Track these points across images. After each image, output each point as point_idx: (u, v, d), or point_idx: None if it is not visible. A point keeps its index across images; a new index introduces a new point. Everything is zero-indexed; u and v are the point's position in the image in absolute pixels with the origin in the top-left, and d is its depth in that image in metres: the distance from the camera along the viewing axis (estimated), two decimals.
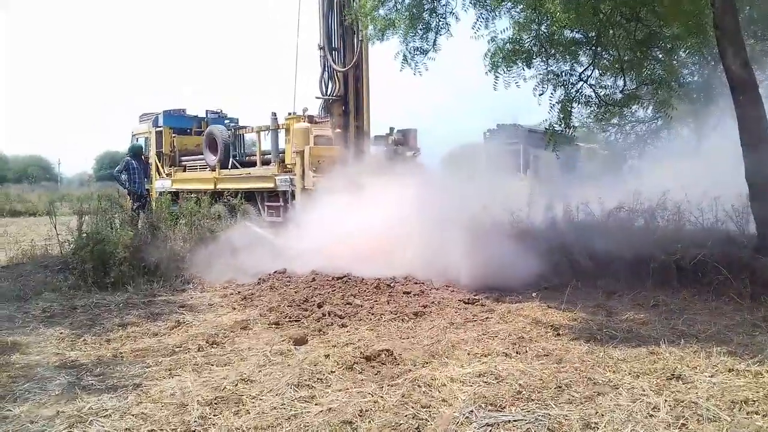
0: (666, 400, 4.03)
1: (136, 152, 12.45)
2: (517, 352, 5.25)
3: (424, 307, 6.89)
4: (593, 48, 7.42)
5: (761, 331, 5.76)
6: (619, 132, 18.65)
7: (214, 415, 4.02)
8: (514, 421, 3.78)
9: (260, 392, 4.44)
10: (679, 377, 4.49)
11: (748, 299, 6.86)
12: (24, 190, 42.58)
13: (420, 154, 12.41)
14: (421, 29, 8.15)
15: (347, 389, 4.46)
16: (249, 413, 4.05)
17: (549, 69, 7.50)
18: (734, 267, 7.22)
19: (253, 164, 13.27)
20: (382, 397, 4.29)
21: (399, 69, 8.52)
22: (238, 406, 4.18)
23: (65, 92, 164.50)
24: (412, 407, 4.07)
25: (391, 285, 7.81)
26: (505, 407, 4.01)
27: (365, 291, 7.58)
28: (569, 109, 7.97)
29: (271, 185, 12.14)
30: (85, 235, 8.41)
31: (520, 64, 7.36)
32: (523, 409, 3.97)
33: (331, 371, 4.84)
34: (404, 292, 7.51)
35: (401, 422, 3.82)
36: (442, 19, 8.11)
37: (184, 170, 15.36)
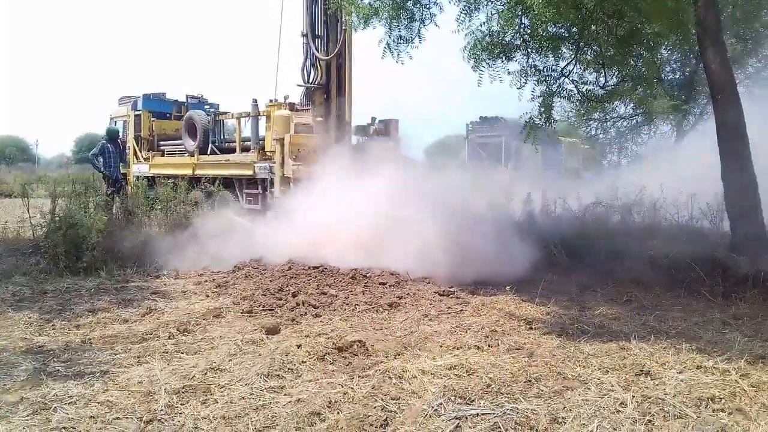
0: (633, 396, 4.05)
1: (112, 136, 12.27)
2: (489, 345, 5.25)
3: (399, 299, 6.88)
4: (575, 43, 7.41)
5: (731, 329, 5.84)
6: (600, 127, 18.71)
7: (181, 404, 3.98)
8: (483, 414, 3.78)
9: (229, 381, 4.40)
10: (647, 373, 4.53)
11: (719, 297, 6.95)
12: (0, 171, 41.97)
13: (400, 144, 12.34)
14: (405, 18, 8.08)
15: (317, 380, 4.44)
16: (217, 402, 4.01)
17: (530, 63, 7.48)
18: (707, 264, 7.30)
19: (232, 150, 13.14)
20: (352, 388, 4.27)
21: (381, 57, 8.46)
22: (206, 395, 4.14)
23: (44, 72, 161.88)
24: (382, 399, 4.06)
25: (367, 275, 7.77)
26: (474, 400, 4.01)
27: (341, 281, 7.55)
28: (550, 103, 7.97)
29: (250, 172, 12.04)
30: (57, 218, 8.26)
31: (501, 58, 7.33)
32: (492, 403, 3.97)
33: (302, 361, 4.82)
34: (380, 283, 7.49)
35: (369, 414, 3.80)
36: (426, 9, 8.05)
37: (163, 155, 15.19)
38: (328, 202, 9.63)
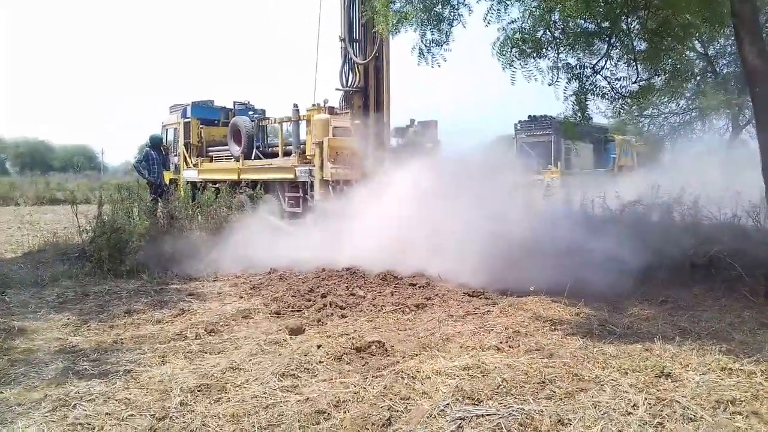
0: (647, 398, 3.96)
1: (155, 143, 12.65)
2: (509, 346, 5.20)
3: (427, 299, 6.88)
4: (607, 38, 7.26)
5: (766, 330, 5.61)
6: (652, 123, 18.24)
7: (194, 402, 4.09)
8: (487, 415, 3.76)
9: (245, 381, 4.50)
10: (668, 375, 4.40)
11: (761, 297, 6.68)
12: (68, 179, 43.78)
13: (440, 146, 12.32)
14: (434, 21, 8.07)
15: (331, 379, 4.49)
16: (229, 401, 4.11)
17: (561, 60, 7.37)
18: (748, 263, 7.04)
19: (276, 155, 13.36)
20: (364, 388, 4.31)
21: (416, 63, 8.48)
22: (220, 394, 4.24)
23: (111, 83, 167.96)
24: (391, 399, 4.08)
25: (398, 276, 7.80)
26: (482, 401, 3.99)
27: (371, 282, 7.60)
28: (584, 100, 7.83)
29: (291, 176, 12.21)
30: (102, 223, 8.58)
31: (532, 56, 7.24)
32: (500, 404, 3.94)
33: (320, 361, 4.88)
34: (410, 284, 7.50)
35: (374, 413, 3.83)
36: (455, 10, 8.02)
37: (211, 161, 15.57)
38: (369, 205, 9.71)
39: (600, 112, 10.83)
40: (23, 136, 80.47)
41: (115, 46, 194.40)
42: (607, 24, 7.12)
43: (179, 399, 4.11)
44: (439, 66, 8.35)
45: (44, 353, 5.22)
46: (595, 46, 7.38)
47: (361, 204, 10.68)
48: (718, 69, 16.23)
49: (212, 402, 4.09)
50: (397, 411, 3.89)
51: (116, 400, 4.14)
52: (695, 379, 4.32)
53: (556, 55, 7.35)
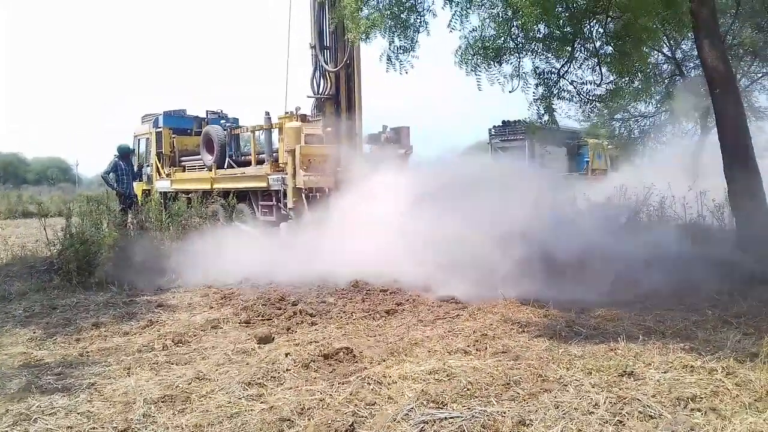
0: (608, 397, 4.00)
1: (123, 153, 12.53)
2: (477, 349, 5.23)
3: (398, 305, 6.90)
4: (569, 43, 7.35)
5: (729, 327, 5.70)
6: (623, 126, 18.41)
7: (157, 413, 4.06)
8: (450, 418, 3.77)
9: (211, 390, 4.47)
10: (630, 374, 4.45)
11: (725, 295, 6.79)
12: (42, 192, 43.16)
13: (412, 152, 12.38)
14: (401, 28, 8.12)
15: (297, 387, 4.48)
16: (193, 411, 4.08)
17: (523, 66, 7.46)
18: (713, 263, 7.15)
19: (249, 164, 13.32)
20: (330, 395, 4.30)
21: (385, 70, 8.53)
22: (184, 405, 4.21)
23: (85, 95, 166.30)
24: (356, 405, 4.08)
25: (369, 284, 7.81)
26: (446, 404, 4.00)
27: (342, 289, 7.59)
28: (550, 105, 7.92)
29: (264, 184, 12.18)
30: (69, 236, 8.48)
31: (495, 62, 7.32)
32: (464, 407, 3.96)
33: (287, 369, 4.86)
34: (381, 290, 7.52)
35: (338, 419, 3.83)
36: (420, 17, 8.08)
37: (184, 170, 15.47)
38: (342, 214, 9.73)
39: (568, 116, 10.92)
40: None
41: (86, 58, 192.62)
42: (568, 29, 7.21)
43: (142, 411, 4.08)
44: (406, 72, 8.41)
45: (8, 368, 5.14)
46: (559, 51, 7.45)
47: (337, 213, 10.73)
48: (686, 72, 16.45)
49: (176, 413, 4.06)
50: (362, 417, 3.89)
51: (78, 414, 4.10)
52: (657, 377, 4.38)
53: (518, 61, 7.42)
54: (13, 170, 79.02)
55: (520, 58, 7.39)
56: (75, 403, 4.28)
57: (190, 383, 4.64)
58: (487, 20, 7.24)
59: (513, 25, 7.02)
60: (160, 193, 15.56)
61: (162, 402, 4.24)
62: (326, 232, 10.48)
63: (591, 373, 4.54)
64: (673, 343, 5.12)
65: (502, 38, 7.13)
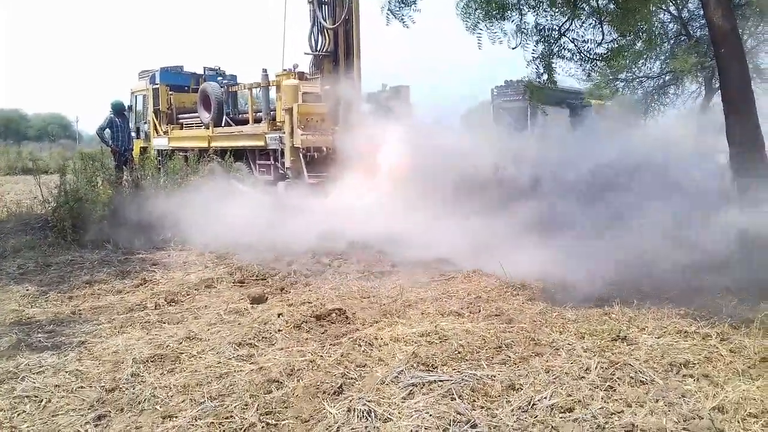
0: (600, 362, 3.96)
1: (118, 110, 12.35)
2: (470, 312, 5.20)
3: (393, 266, 6.86)
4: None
5: (727, 293, 5.62)
6: (626, 87, 18.18)
7: (146, 373, 4.04)
8: (440, 381, 3.74)
9: (201, 351, 4.45)
10: (624, 338, 4.41)
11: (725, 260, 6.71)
12: (42, 148, 42.94)
13: (411, 111, 12.18)
14: None
15: (288, 348, 4.46)
16: (182, 371, 4.06)
17: (524, 22, 7.27)
18: (715, 227, 7.06)
19: (247, 122, 13.15)
20: (321, 356, 4.28)
21: (386, 23, 8.35)
22: (174, 364, 4.19)
23: (85, 51, 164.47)
24: (346, 367, 4.05)
25: (367, 244, 7.74)
26: (437, 367, 3.97)
27: (338, 251, 7.53)
28: (550, 63, 7.76)
29: (262, 143, 12.04)
30: (64, 193, 8.40)
31: (496, 18, 7.13)
32: (454, 369, 3.93)
33: (278, 330, 4.84)
34: (378, 251, 7.46)
35: (327, 381, 3.80)
36: None
37: (181, 128, 15.29)
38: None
39: (569, 75, 10.69)
40: None
41: (87, 12, 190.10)
42: None
43: (131, 370, 4.06)
44: (407, 27, 8.23)
45: None
46: (561, 8, 7.26)
47: (335, 172, 10.66)
48: (691, 32, 16.18)
49: (165, 373, 4.04)
50: (351, 378, 3.87)
51: (66, 372, 4.08)
52: (650, 342, 4.34)
53: (520, 17, 7.24)
54: (14, 126, 78.64)
55: (522, 14, 7.20)
56: (64, 362, 4.27)
57: (180, 343, 4.62)
58: None
59: None
60: (157, 150, 15.45)
61: (151, 362, 4.22)
62: (325, 191, 10.44)
63: (584, 337, 4.50)
64: (669, 308, 5.07)
65: None
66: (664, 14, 16.26)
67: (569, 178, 9.13)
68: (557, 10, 7.52)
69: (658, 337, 4.46)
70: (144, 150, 16.12)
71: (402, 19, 8.18)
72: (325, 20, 11.58)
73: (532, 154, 10.85)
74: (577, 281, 5.93)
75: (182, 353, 4.39)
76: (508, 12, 7.16)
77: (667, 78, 17.47)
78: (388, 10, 8.20)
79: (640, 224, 7.21)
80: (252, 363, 4.18)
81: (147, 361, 4.23)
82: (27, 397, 3.71)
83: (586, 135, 16.38)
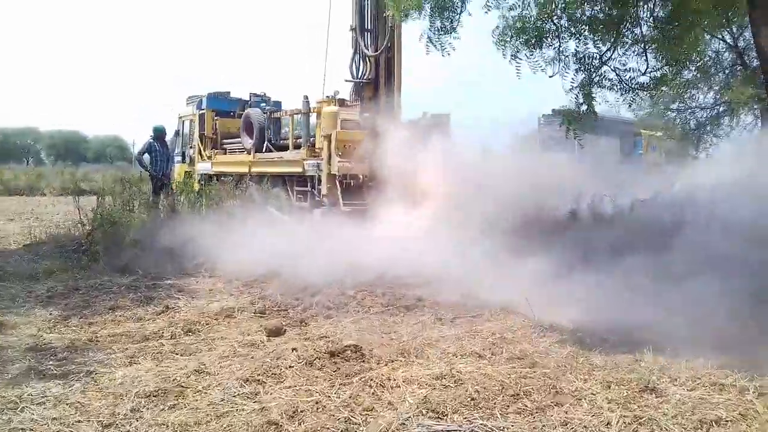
0: (623, 416, 3.67)
1: (158, 135, 12.50)
2: (492, 353, 4.94)
3: (419, 300, 6.64)
4: (615, 27, 6.90)
5: None
6: (678, 117, 17.61)
7: (146, 408, 3.92)
8: (448, 431, 3.51)
9: (208, 385, 4.32)
10: (653, 389, 4.10)
11: None
12: (99, 170, 44.28)
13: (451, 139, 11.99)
14: (440, 8, 7.81)
15: (296, 386, 4.29)
16: (183, 408, 3.93)
17: (563, 50, 7.04)
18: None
19: (287, 148, 13.18)
20: (329, 396, 4.10)
21: (425, 52, 8.23)
22: (176, 400, 4.06)
23: (145, 75, 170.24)
24: (352, 410, 3.86)
25: (396, 276, 7.55)
26: (447, 415, 3.74)
27: (365, 282, 7.34)
28: (590, 93, 7.50)
29: (300, 169, 12.03)
30: (99, 216, 8.49)
31: (536, 46, 6.93)
32: (465, 418, 3.69)
33: (290, 366, 4.67)
34: (404, 284, 7.24)
35: (329, 426, 3.62)
36: None
37: (225, 153, 15.45)
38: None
39: (609, 105, 10.32)
40: (58, 129, 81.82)
41: (150, 37, 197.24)
42: (615, 12, 6.76)
43: (131, 405, 3.94)
44: (448, 54, 8.10)
45: (14, 350, 5.10)
46: (604, 35, 7.01)
47: (371, 201, 10.54)
48: (747, 61, 15.59)
49: (165, 408, 3.91)
50: (355, 424, 3.67)
51: (67, 404, 3.99)
52: (680, 394, 4.02)
53: (558, 45, 7.01)
54: (73, 147, 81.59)
55: (560, 41, 6.97)
56: (68, 393, 4.19)
57: (188, 376, 4.50)
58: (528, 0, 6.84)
59: (555, 6, 6.59)
60: (201, 174, 15.64)
61: (154, 396, 4.10)
62: (360, 221, 10.31)
63: (610, 386, 4.19)
64: (705, 357, 4.70)
65: (543, 20, 6.72)
66: (719, 43, 15.75)
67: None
68: (598, 37, 7.26)
69: (690, 390, 4.13)
70: (189, 174, 16.35)
71: (442, 47, 8.05)
72: (367, 48, 11.57)
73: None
74: (612, 324, 5.62)
75: (188, 388, 4.26)
76: (547, 39, 6.94)
77: (721, 109, 16.89)
78: (428, 38, 8.09)
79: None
80: (256, 402, 4.02)
81: (150, 395, 4.11)
82: (22, 429, 3.62)
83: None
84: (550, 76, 7.04)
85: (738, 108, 16.13)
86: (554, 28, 7.00)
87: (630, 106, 7.74)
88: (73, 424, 3.72)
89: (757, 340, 4.97)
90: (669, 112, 17.66)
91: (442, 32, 7.98)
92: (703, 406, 3.82)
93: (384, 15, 11.08)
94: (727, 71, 16.00)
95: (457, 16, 7.85)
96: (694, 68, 7.48)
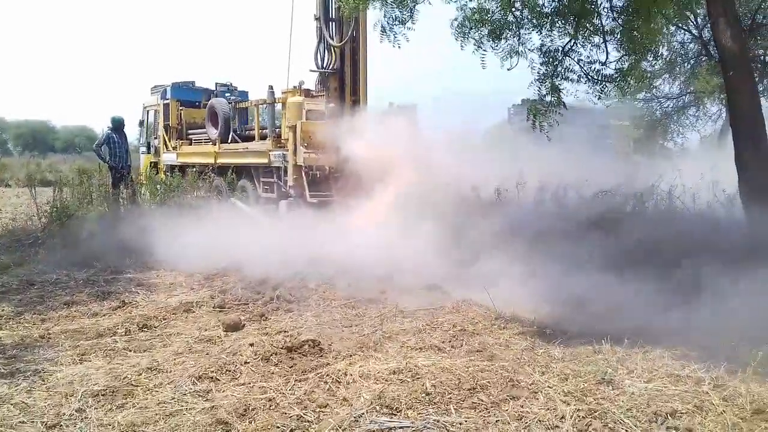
0: (578, 409, 3.65)
1: (116, 126, 12.21)
2: (452, 346, 4.92)
3: (382, 293, 6.58)
4: (574, 19, 6.87)
5: (728, 331, 5.24)
6: (646, 108, 17.75)
7: (93, 408, 3.81)
8: (400, 428, 3.46)
9: (159, 384, 4.22)
10: (609, 382, 4.10)
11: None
12: (66, 161, 43.38)
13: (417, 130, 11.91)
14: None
15: (250, 383, 4.21)
16: (131, 408, 3.82)
17: (526, 42, 7.00)
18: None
19: (253, 139, 13.00)
20: (283, 393, 4.03)
21: (379, 41, 8.12)
22: (125, 399, 3.96)
23: (113, 64, 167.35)
24: (305, 407, 3.79)
25: (359, 269, 7.46)
26: (401, 411, 3.69)
27: (329, 275, 7.26)
28: (556, 85, 7.48)
29: (266, 160, 11.86)
30: (55, 209, 8.27)
31: (492, 37, 6.88)
32: (419, 414, 3.64)
33: (245, 362, 4.59)
34: (369, 276, 7.16)
35: (280, 423, 3.54)
36: None
37: (190, 144, 15.19)
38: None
39: (577, 97, 10.37)
40: (25, 118, 80.00)
41: (117, 24, 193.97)
42: (575, 3, 6.73)
43: (78, 405, 3.83)
44: (399, 46, 7.98)
45: None
46: (562, 27, 6.98)
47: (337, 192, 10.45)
48: (713, 52, 15.71)
49: (113, 408, 3.81)
50: (307, 422, 3.61)
51: (12, 404, 3.87)
52: (637, 386, 4.02)
53: (517, 38, 6.95)
54: (41, 138, 79.87)
55: (519, 34, 6.92)
56: (13, 392, 4.06)
57: (140, 374, 4.39)
58: None
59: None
60: (167, 165, 15.38)
61: (102, 395, 3.99)
62: (326, 212, 10.21)
63: (567, 378, 4.18)
64: (663, 348, 4.72)
65: (504, 11, 6.66)
66: (684, 34, 15.87)
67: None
68: (559, 29, 7.23)
69: (647, 381, 4.13)
70: (154, 165, 16.07)
71: (394, 36, 7.92)
72: (331, 38, 11.42)
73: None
74: (571, 314, 5.64)
75: (138, 386, 4.16)
76: (508, 31, 6.89)
77: (686, 99, 17.06)
78: (381, 27, 7.97)
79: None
80: (207, 400, 3.93)
81: (98, 394, 4.00)
82: None
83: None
84: (508, 69, 6.99)
85: (703, 98, 16.32)
86: (514, 20, 6.95)
87: (599, 97, 7.68)
88: (16, 425, 3.60)
89: (714, 329, 5.00)
90: (636, 102, 17.76)
91: (397, 22, 7.86)
92: (658, 398, 3.83)
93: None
94: (692, 61, 16.16)
95: (415, 6, 7.74)
96: (653, 58, 7.43)
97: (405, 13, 7.65)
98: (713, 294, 5.43)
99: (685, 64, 16.07)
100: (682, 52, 16.09)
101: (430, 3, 7.60)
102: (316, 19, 11.49)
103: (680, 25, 14.90)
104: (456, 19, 6.93)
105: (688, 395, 3.90)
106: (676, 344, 4.76)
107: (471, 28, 6.71)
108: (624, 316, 5.40)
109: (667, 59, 14.92)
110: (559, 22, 6.85)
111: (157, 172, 15.25)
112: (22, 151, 72.16)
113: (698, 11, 12.06)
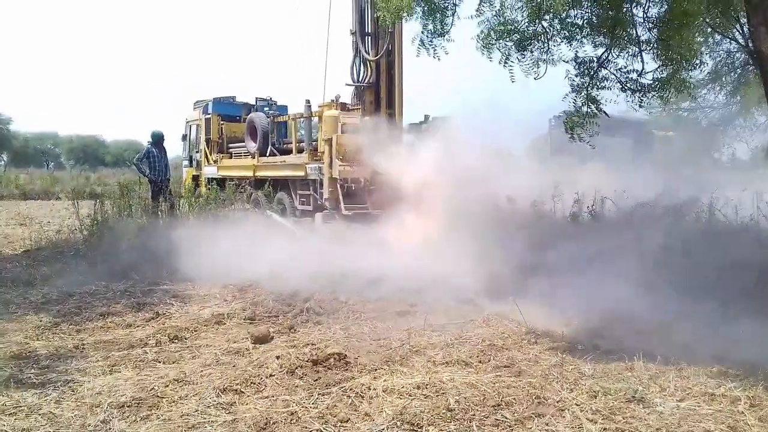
0: (604, 428, 3.54)
1: (156, 140, 12.45)
2: (479, 361, 4.83)
3: (412, 306, 6.52)
4: (610, 29, 6.75)
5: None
6: (690, 118, 17.33)
7: (118, 419, 3.85)
8: None
9: (185, 395, 4.25)
10: (640, 400, 3.97)
11: None
12: (116, 174, 44.54)
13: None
14: (430, 11, 7.69)
15: (274, 396, 4.20)
16: (155, 420, 3.85)
17: (553, 52, 6.91)
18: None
19: (291, 152, 13.14)
20: (305, 407, 4.01)
21: (416, 55, 8.11)
22: (150, 411, 3.99)
23: (161, 80, 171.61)
24: (326, 422, 3.76)
25: (391, 281, 7.43)
26: (422, 427, 3.63)
27: (360, 287, 7.23)
28: (593, 95, 7.36)
29: (302, 173, 11.98)
30: (96, 222, 8.47)
31: (518, 49, 6.81)
32: (441, 430, 3.58)
33: (271, 375, 4.59)
34: (400, 289, 7.12)
35: None
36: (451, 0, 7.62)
37: (231, 157, 15.44)
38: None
39: (618, 105, 10.16)
40: (77, 133, 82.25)
41: (164, 46, 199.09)
42: (607, 13, 6.62)
43: (104, 416, 3.87)
44: (438, 58, 7.97)
45: None
46: (596, 38, 6.86)
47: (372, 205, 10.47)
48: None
49: (137, 420, 3.84)
50: None
51: (40, 414, 3.93)
52: (669, 405, 3.88)
53: (546, 48, 6.85)
54: (92, 152, 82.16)
55: (548, 44, 6.82)
56: (42, 403, 4.13)
57: (167, 386, 4.43)
58: (515, 2, 6.71)
59: (542, 9, 6.44)
60: (208, 178, 15.65)
61: (128, 407, 4.03)
62: (360, 224, 10.24)
63: (596, 396, 4.07)
64: (698, 365, 4.55)
65: (531, 22, 6.58)
66: (731, 43, 15.46)
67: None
68: (592, 40, 7.12)
69: (680, 400, 3.99)
70: (196, 178, 16.38)
71: (434, 50, 7.92)
72: (367, 52, 11.49)
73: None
74: (605, 329, 5.49)
75: (164, 397, 4.20)
76: (536, 42, 6.80)
77: (733, 109, 16.62)
78: (420, 41, 7.97)
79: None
80: (230, 413, 3.93)
81: (124, 405, 4.04)
82: None
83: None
84: (535, 79, 6.91)
85: (750, 108, 15.87)
86: (543, 31, 6.86)
87: (640, 106, 7.52)
88: None
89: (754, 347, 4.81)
90: (680, 112, 17.37)
91: (435, 35, 7.86)
92: (690, 418, 3.69)
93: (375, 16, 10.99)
94: (739, 71, 15.73)
95: (449, 20, 7.73)
96: (693, 68, 7.24)
97: (439, 25, 7.64)
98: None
99: (732, 74, 15.67)
100: (729, 61, 15.69)
101: (458, 17, 7.58)
102: (352, 33, 11.60)
103: (725, 34, 14.52)
104: (482, 32, 6.87)
105: (722, 415, 3.75)
106: (713, 363, 4.59)
107: (497, 39, 6.64)
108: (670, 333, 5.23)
109: (712, 68, 14.56)
110: (593, 33, 6.73)
111: (198, 186, 15.57)
112: (74, 165, 74.38)
113: (743, 20, 11.70)
